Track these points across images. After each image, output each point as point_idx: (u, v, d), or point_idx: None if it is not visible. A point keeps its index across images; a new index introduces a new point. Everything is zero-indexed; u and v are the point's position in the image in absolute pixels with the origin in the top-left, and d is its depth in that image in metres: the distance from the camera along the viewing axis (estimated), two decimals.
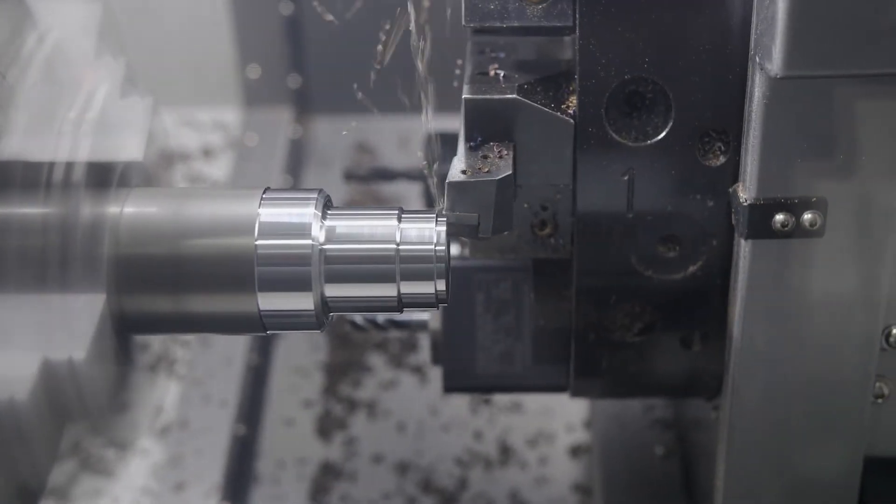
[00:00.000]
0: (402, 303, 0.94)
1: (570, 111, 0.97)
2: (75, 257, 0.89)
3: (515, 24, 0.96)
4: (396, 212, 0.94)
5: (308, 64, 2.02)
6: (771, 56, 0.87)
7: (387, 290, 0.93)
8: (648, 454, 1.35)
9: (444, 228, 0.93)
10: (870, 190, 0.93)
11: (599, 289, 1.04)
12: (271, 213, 0.92)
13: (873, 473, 1.05)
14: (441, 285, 0.93)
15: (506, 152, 0.96)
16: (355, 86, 1.06)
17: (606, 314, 1.05)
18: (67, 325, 0.89)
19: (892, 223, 0.94)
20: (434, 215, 0.94)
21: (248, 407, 1.57)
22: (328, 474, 1.47)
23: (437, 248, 0.92)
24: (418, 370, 1.61)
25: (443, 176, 1.33)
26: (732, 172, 0.98)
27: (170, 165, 1.89)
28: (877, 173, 0.92)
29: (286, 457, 1.50)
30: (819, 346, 0.99)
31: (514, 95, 0.97)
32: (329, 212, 0.94)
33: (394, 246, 0.92)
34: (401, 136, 1.96)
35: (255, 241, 0.91)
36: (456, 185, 0.94)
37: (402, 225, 0.93)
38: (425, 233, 0.93)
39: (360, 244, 0.92)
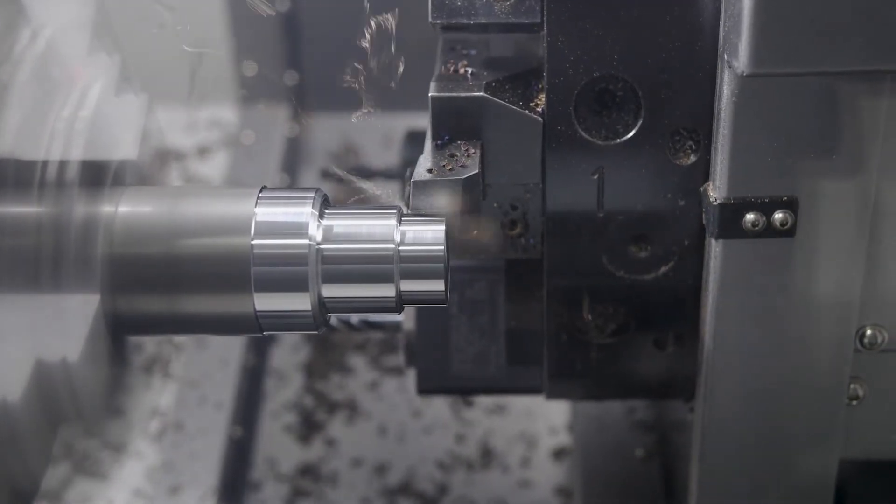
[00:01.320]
0: (400, 303, 0.94)
1: (539, 109, 0.98)
2: (69, 257, 0.89)
3: (482, 20, 0.97)
4: (395, 211, 0.94)
5: (305, 61, 2.02)
6: (738, 53, 0.87)
7: (385, 291, 0.93)
8: (629, 456, 1.35)
9: (443, 228, 0.93)
10: (841, 188, 0.93)
11: (571, 289, 1.04)
12: (268, 213, 0.92)
13: (849, 476, 1.06)
14: (440, 285, 0.93)
15: (473, 151, 0.97)
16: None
17: (579, 315, 1.05)
18: (61, 326, 0.89)
19: (865, 222, 0.95)
20: (433, 215, 0.94)
21: (243, 409, 1.57)
22: (302, 478, 1.48)
23: (436, 248, 0.93)
24: (399, 371, 1.61)
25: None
26: (703, 171, 0.98)
27: (165, 164, 1.91)
28: (848, 171, 0.93)
29: (281, 459, 1.51)
30: (792, 347, 0.99)
31: (481, 93, 0.97)
32: (326, 211, 0.94)
33: (392, 246, 0.92)
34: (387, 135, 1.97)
35: (252, 240, 0.91)
36: (422, 185, 0.94)
37: (400, 224, 0.93)
38: (424, 232, 0.93)
39: (357, 244, 0.92)
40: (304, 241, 0.91)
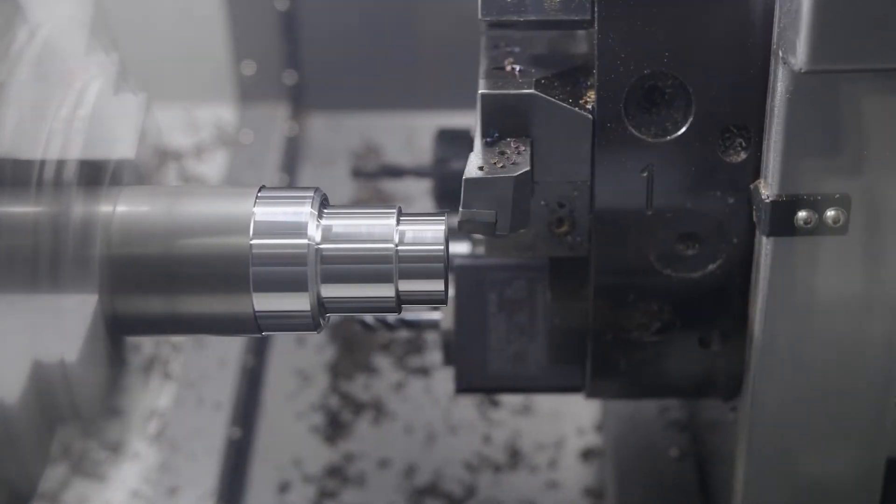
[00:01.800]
0: (399, 304, 0.94)
1: (589, 106, 0.98)
2: (67, 257, 0.89)
3: (533, 17, 0.97)
4: (394, 211, 0.94)
5: (304, 60, 2.02)
6: (795, 50, 0.87)
7: (384, 291, 0.93)
8: (663, 456, 1.35)
9: (442, 228, 0.93)
10: (894, 186, 0.93)
11: (617, 287, 1.04)
12: (266, 212, 0.92)
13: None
14: (440, 285, 0.93)
15: (523, 148, 0.97)
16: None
17: (624, 313, 1.05)
18: (59, 326, 0.89)
19: None
20: (432, 214, 0.94)
21: (242, 410, 1.56)
22: (329, 479, 1.48)
23: (435, 247, 0.93)
24: (424, 371, 1.61)
25: (450, 173, 1.35)
26: (754, 168, 0.98)
27: (163, 163, 1.90)
28: None
29: (283, 461, 1.51)
30: (841, 346, 0.99)
31: (532, 90, 0.97)
32: (325, 211, 0.94)
33: (391, 245, 0.92)
34: (406, 134, 1.96)
35: (251, 240, 0.91)
36: (473, 182, 0.94)
37: (400, 224, 0.93)
38: (424, 232, 0.93)
39: (357, 244, 0.92)
40: (302, 241, 0.91)
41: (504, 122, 0.98)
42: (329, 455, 1.51)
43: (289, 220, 0.92)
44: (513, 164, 0.95)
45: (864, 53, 0.87)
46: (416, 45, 2.00)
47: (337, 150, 1.97)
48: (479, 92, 0.98)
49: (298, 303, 0.92)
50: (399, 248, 0.92)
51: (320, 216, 0.93)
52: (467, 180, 0.94)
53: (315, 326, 0.94)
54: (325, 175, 1.92)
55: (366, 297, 0.93)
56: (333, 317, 0.99)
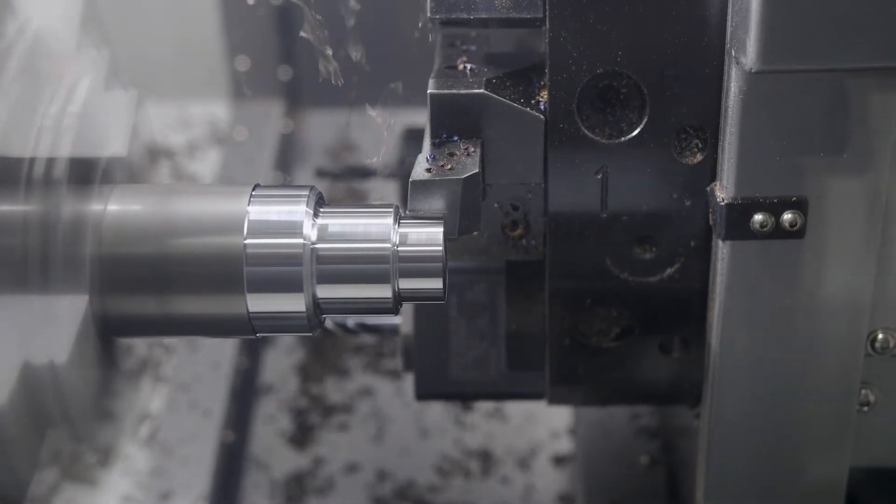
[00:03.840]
0: (397, 304, 0.94)
1: (541, 106, 0.97)
2: (57, 257, 0.89)
3: (483, 15, 0.96)
4: (391, 210, 0.94)
5: (299, 55, 2.02)
6: (745, 49, 0.87)
7: (381, 292, 0.92)
8: (633, 463, 1.35)
9: (441, 230, 0.93)
10: (852, 188, 0.93)
11: (574, 292, 1.04)
12: (261, 211, 0.92)
13: (859, 484, 1.06)
14: (438, 284, 0.93)
15: (473, 149, 0.96)
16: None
17: (582, 318, 1.05)
18: (48, 328, 0.89)
19: (876, 223, 0.94)
20: (431, 216, 0.94)
21: (236, 413, 1.56)
22: (296, 484, 1.48)
23: (434, 248, 0.92)
24: (396, 374, 1.61)
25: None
26: (711, 170, 0.98)
27: (155, 161, 1.90)
28: (859, 171, 0.92)
29: (274, 464, 1.50)
30: (802, 352, 0.99)
31: (482, 90, 0.97)
32: (321, 209, 0.93)
33: (389, 245, 0.92)
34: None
35: (245, 239, 0.91)
36: (420, 184, 0.93)
37: (398, 225, 0.93)
38: (422, 233, 0.93)
39: (353, 243, 0.92)
40: (298, 241, 0.91)
41: (454, 122, 0.97)
42: (296, 460, 1.50)
43: (284, 219, 0.92)
44: (461, 165, 0.95)
45: (815, 53, 0.86)
46: (415, 42, 1.99)
47: (333, 148, 1.97)
48: (429, 91, 0.97)
49: (293, 304, 0.92)
50: (398, 248, 0.92)
51: (316, 215, 0.93)
52: (413, 182, 0.93)
53: (310, 328, 0.93)
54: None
55: (362, 298, 0.93)
56: None
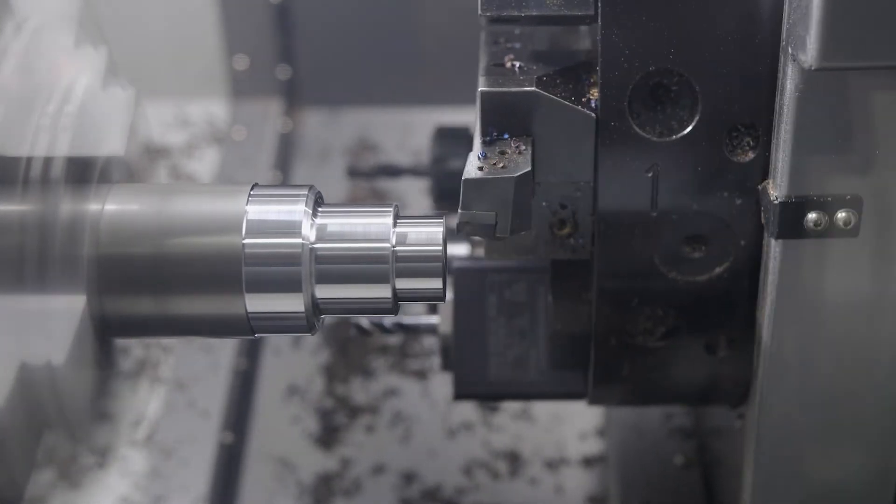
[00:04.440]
0: (396, 304, 0.93)
1: (592, 104, 0.97)
2: (54, 257, 0.89)
3: (534, 13, 0.96)
4: (391, 209, 0.93)
5: (298, 54, 2.02)
6: (805, 47, 0.86)
7: (380, 292, 0.92)
8: (667, 464, 1.35)
9: (440, 230, 0.92)
10: None
11: (621, 291, 1.03)
12: (259, 211, 0.92)
13: None
14: (438, 283, 0.93)
15: (524, 147, 0.96)
16: None
17: (628, 318, 1.05)
18: (46, 328, 0.89)
19: None
20: (430, 216, 0.94)
21: (235, 414, 1.56)
22: (323, 486, 1.47)
23: (433, 248, 0.92)
24: (422, 374, 1.60)
25: (448, 172, 1.35)
26: (762, 169, 0.97)
27: (153, 161, 1.90)
28: None
29: (276, 467, 1.50)
30: (852, 351, 0.99)
31: (533, 88, 0.97)
32: (320, 209, 0.93)
33: (388, 245, 0.92)
34: (403, 130, 1.96)
35: (243, 239, 0.91)
36: (472, 183, 0.93)
37: (396, 223, 0.93)
38: (422, 233, 0.93)
39: (352, 243, 0.92)
40: (296, 241, 0.91)
41: (504, 120, 0.97)
42: (323, 461, 1.50)
43: (282, 218, 0.92)
44: (513, 164, 0.95)
45: (875, 50, 0.86)
46: (414, 39, 2.00)
47: (332, 147, 1.97)
48: (479, 89, 0.97)
49: (292, 304, 0.91)
50: (396, 247, 0.92)
51: (315, 215, 0.93)
52: (466, 181, 0.93)
53: (309, 328, 0.93)
54: (319, 172, 1.92)
55: (361, 298, 0.93)
56: (328, 318, 0.98)
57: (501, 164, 0.94)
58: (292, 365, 1.63)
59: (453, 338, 1.15)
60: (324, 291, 0.92)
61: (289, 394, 1.59)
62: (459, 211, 0.93)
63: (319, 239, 0.91)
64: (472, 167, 0.94)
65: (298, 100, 2.04)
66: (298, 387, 1.60)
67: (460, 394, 1.16)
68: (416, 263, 0.92)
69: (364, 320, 1.23)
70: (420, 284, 0.93)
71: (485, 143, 0.97)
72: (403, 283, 0.92)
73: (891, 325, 0.98)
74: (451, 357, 1.16)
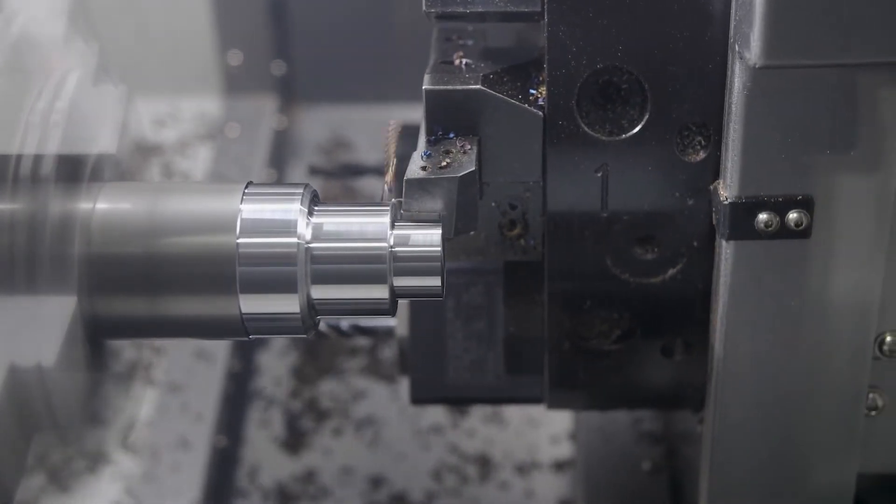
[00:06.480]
0: (394, 305, 0.93)
1: (539, 103, 0.97)
2: (44, 257, 0.88)
3: (479, 9, 0.96)
4: (388, 208, 0.93)
5: (293, 50, 2.02)
6: (749, 44, 0.86)
7: (378, 292, 0.92)
8: (635, 469, 1.34)
9: (439, 231, 0.92)
10: (859, 186, 0.92)
11: (573, 293, 1.03)
12: (254, 210, 0.92)
13: (867, 491, 1.05)
14: (436, 281, 0.92)
15: (469, 147, 0.96)
16: None
17: (581, 320, 1.04)
18: (36, 329, 0.89)
19: (884, 222, 0.94)
20: (428, 219, 0.93)
21: (228, 417, 1.56)
22: (298, 489, 1.47)
23: (432, 248, 0.92)
24: (392, 377, 1.60)
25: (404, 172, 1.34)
26: (713, 168, 0.97)
27: (145, 158, 1.90)
28: (866, 168, 0.92)
29: (268, 469, 1.50)
30: (807, 355, 0.98)
31: (478, 86, 0.96)
32: (316, 208, 0.93)
33: (385, 244, 0.91)
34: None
35: (237, 239, 0.91)
36: (415, 183, 0.93)
37: (394, 223, 0.92)
38: (419, 231, 0.92)
39: (349, 242, 0.92)
40: (292, 240, 0.91)
41: (450, 119, 0.97)
42: (290, 465, 1.50)
43: (277, 217, 0.92)
44: (458, 163, 0.94)
45: (821, 48, 0.86)
46: (412, 36, 1.99)
47: (327, 145, 1.96)
48: (424, 87, 0.97)
49: (287, 304, 0.91)
50: (394, 247, 0.91)
51: (310, 213, 0.92)
52: (408, 181, 0.93)
53: (305, 329, 0.93)
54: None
55: (358, 299, 0.93)
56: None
57: (445, 164, 0.94)
58: (261, 367, 1.63)
59: (410, 341, 1.14)
60: (320, 292, 0.92)
61: (256, 396, 1.59)
62: (401, 211, 0.93)
63: (315, 238, 0.91)
64: (416, 167, 0.94)
65: (293, 96, 2.04)
66: (265, 389, 1.60)
67: (418, 398, 1.16)
68: (414, 263, 0.92)
69: (322, 323, 1.22)
70: (419, 283, 0.93)
71: (429, 143, 0.96)
72: (402, 282, 0.92)
73: (845, 327, 0.97)
74: (409, 361, 1.15)
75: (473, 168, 0.94)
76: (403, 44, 1.99)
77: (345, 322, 1.21)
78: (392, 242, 0.91)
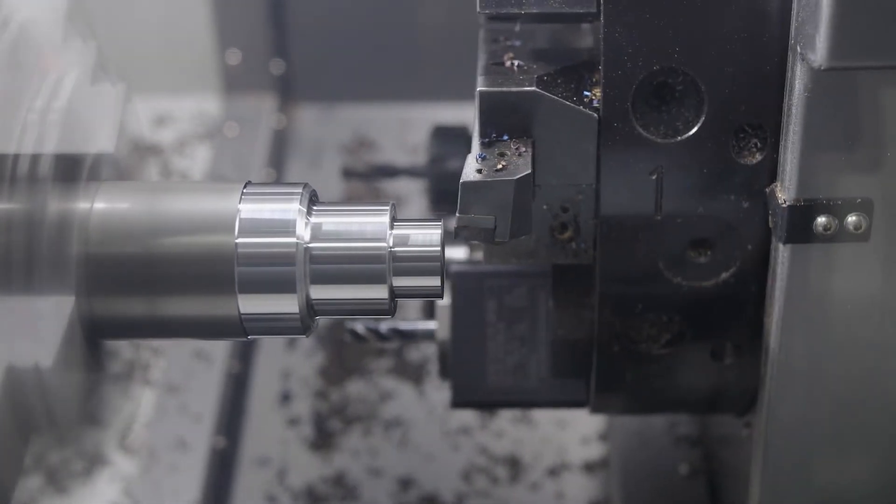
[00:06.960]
0: (393, 306, 0.92)
1: (594, 104, 0.96)
2: (42, 257, 0.88)
3: (534, 10, 0.95)
4: (387, 208, 0.92)
5: (292, 48, 2.01)
6: (814, 46, 0.85)
7: (377, 293, 0.91)
8: (672, 473, 1.33)
9: (439, 232, 0.92)
10: None
11: (624, 296, 1.02)
12: (253, 209, 0.91)
13: None
14: (436, 281, 0.92)
15: (524, 149, 0.95)
16: None
17: (631, 324, 1.03)
18: (33, 330, 0.88)
19: None
20: (428, 219, 0.93)
21: (227, 418, 1.55)
22: (318, 492, 1.46)
23: (432, 248, 0.91)
24: (420, 378, 1.59)
25: (446, 173, 1.34)
26: (770, 171, 0.96)
27: (143, 158, 1.89)
28: None
29: (269, 471, 1.49)
30: (862, 358, 0.98)
31: (533, 88, 0.95)
32: (315, 208, 0.92)
33: (384, 244, 0.91)
34: (400, 127, 1.95)
35: (236, 238, 0.90)
36: (471, 186, 0.92)
37: (393, 223, 0.92)
38: (419, 231, 0.92)
39: (348, 242, 0.91)
40: (290, 240, 0.90)
41: (504, 121, 0.96)
42: (319, 466, 1.49)
43: (276, 217, 0.91)
44: (513, 166, 0.93)
45: (886, 49, 0.85)
46: (411, 33, 1.99)
47: (327, 144, 1.96)
48: (478, 89, 0.96)
49: (286, 305, 0.91)
50: (393, 247, 0.91)
51: (309, 213, 0.92)
52: (464, 184, 0.92)
53: (304, 330, 0.93)
54: (314, 170, 1.91)
55: (357, 299, 0.92)
56: (323, 321, 0.97)
57: (500, 167, 0.93)
58: (286, 368, 1.62)
59: (451, 344, 1.13)
60: (319, 292, 0.91)
61: (283, 398, 1.58)
62: (457, 215, 0.92)
63: (314, 238, 0.91)
64: (471, 170, 0.93)
65: (292, 95, 2.04)
66: (292, 390, 1.59)
67: (458, 402, 1.15)
68: (414, 263, 0.91)
69: (360, 326, 1.21)
70: (418, 283, 0.92)
71: (483, 145, 0.95)
72: (401, 282, 0.91)
73: None
74: (449, 364, 1.15)
75: (529, 171, 0.93)
76: (403, 43, 1.99)
77: (384, 325, 1.20)
78: (391, 242, 0.91)
